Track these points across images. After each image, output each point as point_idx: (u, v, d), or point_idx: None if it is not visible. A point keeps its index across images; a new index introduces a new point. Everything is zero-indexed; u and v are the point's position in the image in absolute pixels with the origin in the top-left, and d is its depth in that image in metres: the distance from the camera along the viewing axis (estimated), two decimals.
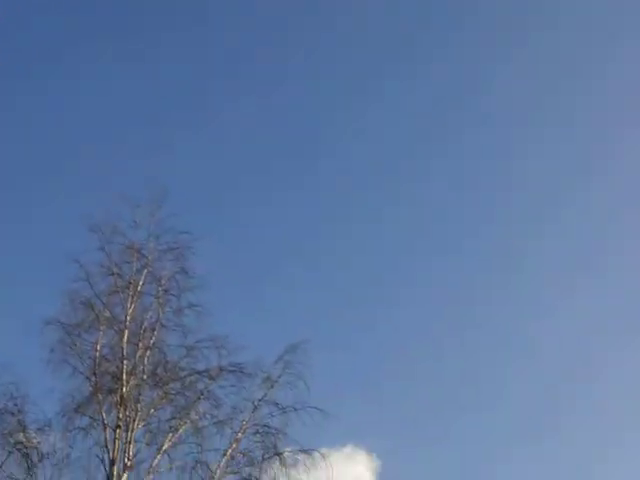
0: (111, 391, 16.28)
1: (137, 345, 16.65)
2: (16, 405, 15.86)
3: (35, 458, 15.65)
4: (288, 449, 15.86)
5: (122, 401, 16.03)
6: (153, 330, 16.91)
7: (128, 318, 16.94)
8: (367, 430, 24.37)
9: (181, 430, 16.08)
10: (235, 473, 15.80)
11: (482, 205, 39.64)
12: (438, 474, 29.89)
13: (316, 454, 15.71)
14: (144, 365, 16.47)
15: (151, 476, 15.62)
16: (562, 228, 38.55)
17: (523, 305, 38.10)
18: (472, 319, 36.74)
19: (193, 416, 16.20)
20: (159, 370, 16.61)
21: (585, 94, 40.87)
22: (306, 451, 15.73)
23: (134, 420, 15.94)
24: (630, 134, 38.53)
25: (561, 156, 39.25)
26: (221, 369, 16.53)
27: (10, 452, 15.72)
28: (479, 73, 40.33)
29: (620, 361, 35.23)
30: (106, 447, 15.69)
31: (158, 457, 15.76)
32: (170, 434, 16.00)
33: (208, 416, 16.26)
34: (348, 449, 23.13)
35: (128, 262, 17.52)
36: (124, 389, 16.13)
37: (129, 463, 15.58)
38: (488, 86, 40.29)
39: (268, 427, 16.05)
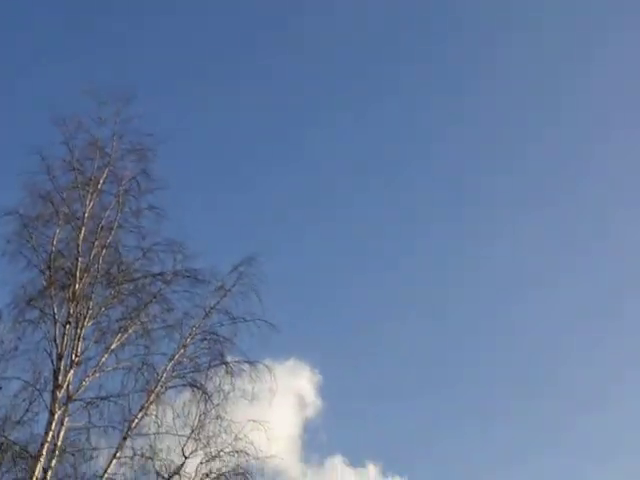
0: (64, 287, 16.29)
1: (93, 243, 16.59)
2: None
3: None
4: (235, 359, 16.06)
5: (74, 297, 16.05)
6: (110, 229, 16.84)
7: (86, 215, 16.87)
8: (310, 344, 24.69)
9: (130, 331, 16.18)
10: (181, 377, 15.98)
11: None
12: (379, 390, 30.64)
13: (261, 365, 15.92)
14: (99, 264, 16.44)
15: (97, 374, 15.76)
16: None
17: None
18: None
19: (143, 318, 16.31)
20: (113, 270, 16.62)
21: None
22: (251, 362, 15.93)
23: (84, 317, 15.98)
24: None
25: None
26: (175, 274, 16.59)
27: None
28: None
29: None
30: (54, 342, 15.76)
31: (105, 356, 15.88)
32: (119, 334, 16.08)
33: (158, 319, 16.43)
34: (291, 362, 23.37)
35: (90, 159, 17.41)
36: (77, 286, 16.14)
37: (76, 359, 15.67)
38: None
39: (217, 335, 16.20)
